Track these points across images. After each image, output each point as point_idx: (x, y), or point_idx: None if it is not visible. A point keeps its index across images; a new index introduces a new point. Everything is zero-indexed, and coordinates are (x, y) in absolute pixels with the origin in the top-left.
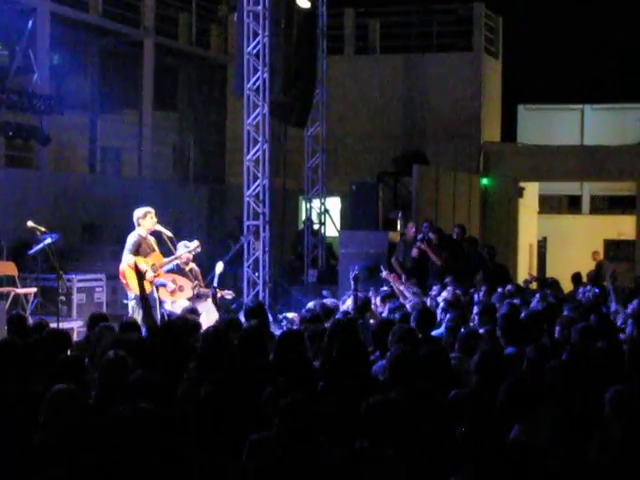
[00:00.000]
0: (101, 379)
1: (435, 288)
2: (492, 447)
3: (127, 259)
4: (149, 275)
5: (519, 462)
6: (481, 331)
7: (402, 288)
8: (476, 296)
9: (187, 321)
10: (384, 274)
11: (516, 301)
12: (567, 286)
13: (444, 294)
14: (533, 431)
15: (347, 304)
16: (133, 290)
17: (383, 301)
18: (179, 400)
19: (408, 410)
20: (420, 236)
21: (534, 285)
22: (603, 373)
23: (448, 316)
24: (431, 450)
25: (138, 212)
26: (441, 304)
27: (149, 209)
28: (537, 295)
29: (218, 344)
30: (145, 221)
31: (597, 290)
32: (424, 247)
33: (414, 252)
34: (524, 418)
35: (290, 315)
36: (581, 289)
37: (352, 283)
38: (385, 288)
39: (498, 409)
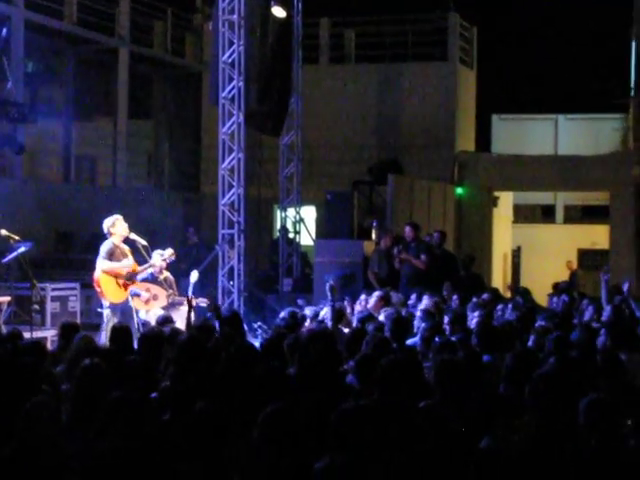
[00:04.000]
0: (77, 387)
1: (412, 297)
2: (462, 456)
3: (101, 265)
4: (126, 270)
5: (489, 471)
6: (453, 339)
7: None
8: (453, 304)
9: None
10: None
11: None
12: (541, 295)
13: (425, 302)
14: (505, 440)
15: (322, 314)
16: (108, 298)
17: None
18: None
19: (381, 418)
20: (396, 250)
21: (507, 294)
22: (577, 382)
23: (423, 325)
24: (405, 458)
25: (107, 222)
26: (418, 313)
27: (116, 216)
28: (509, 305)
29: (194, 351)
30: (115, 228)
31: (566, 298)
32: (404, 257)
33: (397, 264)
34: (497, 427)
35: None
36: (554, 298)
37: (329, 294)
38: (363, 296)
39: (470, 418)
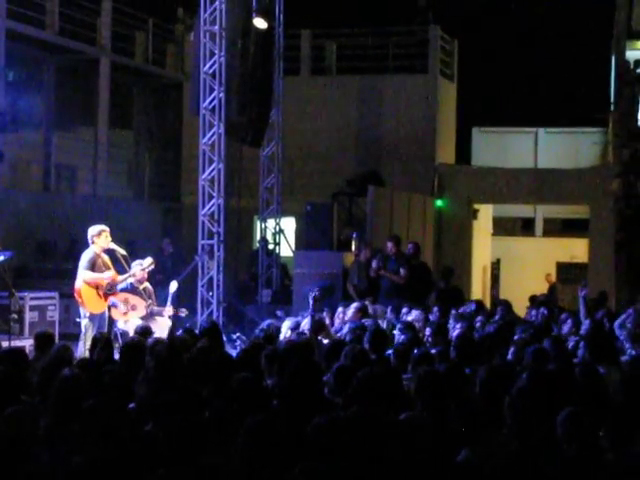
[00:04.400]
0: (56, 397)
1: (388, 310)
2: (440, 469)
3: (83, 275)
4: (107, 281)
5: None
6: (433, 352)
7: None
8: (431, 317)
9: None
10: None
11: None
12: (520, 308)
13: (414, 313)
14: (482, 453)
15: (303, 324)
16: (88, 308)
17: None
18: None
19: (358, 430)
20: (375, 262)
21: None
22: (555, 395)
23: (402, 338)
24: (383, 471)
25: (93, 230)
26: (398, 325)
27: (104, 227)
28: (480, 317)
29: (170, 363)
30: (100, 239)
31: (545, 312)
32: (383, 273)
33: (372, 273)
34: (474, 440)
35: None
36: (533, 311)
37: (311, 304)
38: (341, 308)
39: (447, 430)
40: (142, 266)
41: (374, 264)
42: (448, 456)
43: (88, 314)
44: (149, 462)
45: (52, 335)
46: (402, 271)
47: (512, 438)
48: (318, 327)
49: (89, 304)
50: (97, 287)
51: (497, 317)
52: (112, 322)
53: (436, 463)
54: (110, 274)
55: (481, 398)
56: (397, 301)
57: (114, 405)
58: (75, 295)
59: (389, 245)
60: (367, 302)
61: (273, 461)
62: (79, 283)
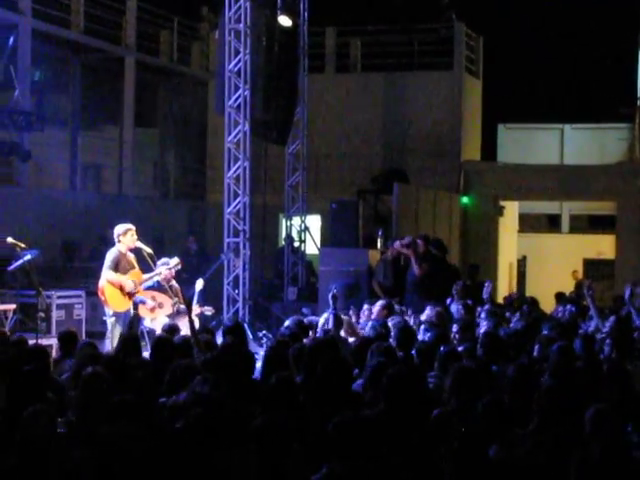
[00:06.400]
0: (81, 395)
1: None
2: (471, 466)
3: (106, 275)
4: (129, 288)
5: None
6: (460, 349)
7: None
8: (455, 314)
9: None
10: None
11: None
12: (547, 305)
13: (427, 312)
14: (512, 450)
15: (321, 321)
16: (111, 307)
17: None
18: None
19: (382, 428)
20: (407, 239)
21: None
22: (583, 392)
23: (427, 336)
24: (408, 468)
25: (119, 229)
26: (422, 325)
27: (130, 226)
28: (517, 314)
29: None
30: (125, 238)
31: (573, 308)
32: (409, 252)
33: (397, 245)
34: (503, 437)
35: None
36: (560, 308)
37: (330, 302)
38: (367, 306)
39: (476, 427)
40: (168, 265)
41: (406, 239)
42: (478, 452)
43: (112, 312)
44: (174, 458)
45: (76, 334)
46: (424, 265)
47: (540, 435)
48: (339, 324)
49: (112, 302)
50: (120, 287)
51: (518, 315)
52: (139, 320)
53: (466, 459)
54: (133, 284)
55: (510, 395)
56: (420, 299)
57: (142, 402)
58: (98, 293)
59: (420, 245)
60: (394, 302)
61: (284, 460)
62: (102, 282)
